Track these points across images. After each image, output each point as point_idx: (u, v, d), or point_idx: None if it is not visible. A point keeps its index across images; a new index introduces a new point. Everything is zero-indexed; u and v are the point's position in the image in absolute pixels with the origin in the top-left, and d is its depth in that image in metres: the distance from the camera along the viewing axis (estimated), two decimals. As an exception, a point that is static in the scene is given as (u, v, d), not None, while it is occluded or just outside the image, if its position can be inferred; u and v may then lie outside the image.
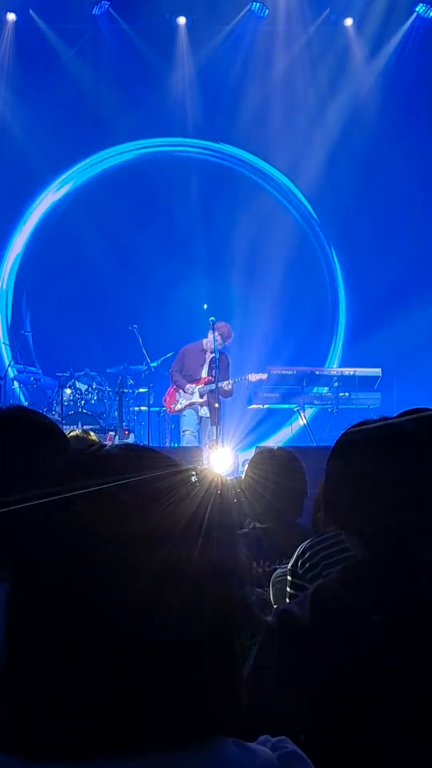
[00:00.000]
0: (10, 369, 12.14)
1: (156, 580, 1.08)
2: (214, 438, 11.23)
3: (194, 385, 11.43)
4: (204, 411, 11.47)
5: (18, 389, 12.44)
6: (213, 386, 11.24)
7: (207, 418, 11.45)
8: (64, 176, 14.34)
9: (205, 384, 11.38)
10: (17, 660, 1.09)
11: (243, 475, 4.21)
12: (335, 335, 14.70)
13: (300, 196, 14.66)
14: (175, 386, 11.62)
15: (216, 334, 11.15)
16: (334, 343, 14.66)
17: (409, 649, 1.77)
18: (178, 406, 11.52)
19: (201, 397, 11.38)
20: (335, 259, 14.71)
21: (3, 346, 12.53)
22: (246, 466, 4.24)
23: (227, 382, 11.25)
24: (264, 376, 11.62)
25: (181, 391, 11.50)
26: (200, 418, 11.51)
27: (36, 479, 1.66)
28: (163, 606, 1.08)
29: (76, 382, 12.25)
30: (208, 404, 11.39)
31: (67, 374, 12.27)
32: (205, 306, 12.20)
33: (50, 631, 1.07)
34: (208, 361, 11.47)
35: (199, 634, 1.10)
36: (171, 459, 1.22)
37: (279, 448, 4.19)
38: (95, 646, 1.05)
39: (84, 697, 1.05)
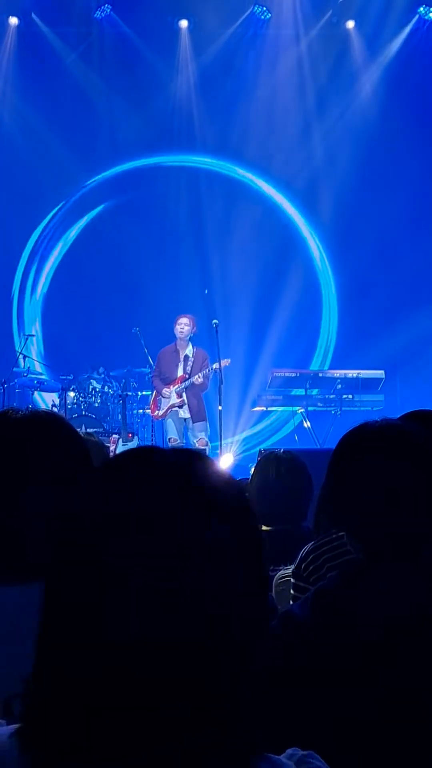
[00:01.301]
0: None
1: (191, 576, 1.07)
2: (202, 435, 11.24)
3: (170, 388, 11.34)
4: (183, 412, 11.39)
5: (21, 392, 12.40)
6: (187, 383, 11.24)
7: (189, 418, 11.38)
8: (73, 192, 14.42)
9: (181, 383, 11.35)
10: (50, 661, 1.09)
11: (249, 478, 4.22)
12: (328, 337, 14.70)
13: (296, 202, 14.66)
14: (156, 392, 11.59)
15: (188, 324, 11.25)
16: (327, 345, 14.67)
17: (410, 651, 1.77)
18: (161, 412, 11.43)
19: (178, 397, 11.32)
20: (327, 261, 14.69)
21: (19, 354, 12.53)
22: (252, 469, 4.24)
23: (197, 376, 11.20)
24: (227, 361, 11.34)
25: (160, 396, 11.47)
26: (182, 420, 11.44)
27: (57, 488, 1.67)
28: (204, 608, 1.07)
29: (92, 381, 12.29)
30: (188, 403, 11.37)
31: (70, 377, 12.29)
32: (206, 291, 12.27)
33: (84, 632, 1.06)
34: (182, 359, 11.46)
35: (234, 639, 1.09)
36: None
37: (285, 451, 4.17)
38: (134, 649, 1.04)
39: (117, 708, 1.04)
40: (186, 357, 11.40)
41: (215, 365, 11.08)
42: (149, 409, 11.79)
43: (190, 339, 11.44)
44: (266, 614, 1.16)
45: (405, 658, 1.76)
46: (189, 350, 11.43)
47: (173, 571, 1.06)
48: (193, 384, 11.22)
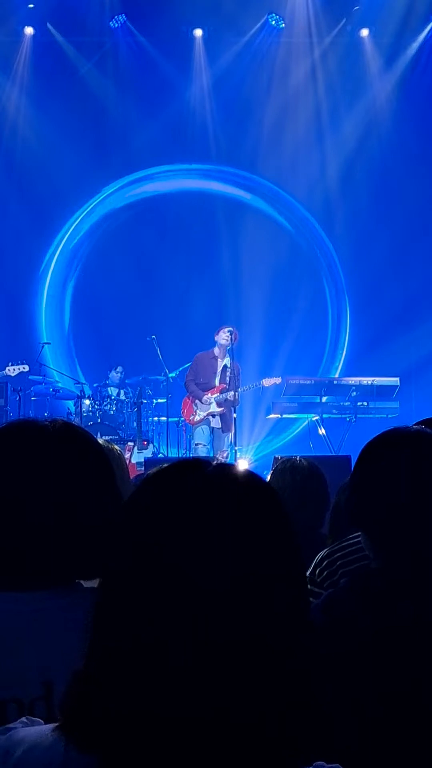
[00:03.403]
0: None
1: (237, 579, 1.11)
2: (225, 448, 11.28)
3: (210, 395, 11.39)
4: (215, 422, 11.44)
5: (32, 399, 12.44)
6: (227, 395, 11.27)
7: (218, 428, 11.44)
8: (90, 201, 14.52)
9: (221, 392, 11.39)
10: (101, 662, 1.12)
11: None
12: (340, 346, 14.71)
13: (309, 210, 14.66)
14: (191, 396, 11.62)
15: (230, 336, 11.28)
16: (338, 353, 14.67)
17: (416, 658, 1.78)
18: (197, 417, 11.44)
19: (219, 406, 11.36)
20: (341, 270, 14.69)
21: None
22: (269, 477, 4.25)
23: (232, 393, 11.27)
24: (278, 380, 11.62)
25: (197, 401, 11.49)
26: (212, 429, 11.49)
27: (78, 496, 1.69)
28: (247, 607, 1.10)
29: (108, 389, 12.36)
30: (222, 413, 11.42)
31: (85, 384, 12.34)
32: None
33: (136, 633, 1.10)
34: (220, 368, 11.50)
35: (276, 640, 1.12)
36: None
37: (302, 459, 4.18)
38: (182, 651, 1.08)
39: (166, 704, 1.07)
40: (225, 367, 11.44)
41: (264, 382, 11.30)
42: (182, 414, 11.80)
43: (229, 351, 11.48)
44: (305, 624, 1.18)
45: (413, 666, 1.77)
46: (227, 361, 11.47)
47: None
48: (228, 399, 11.27)
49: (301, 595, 1.19)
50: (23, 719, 1.24)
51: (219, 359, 11.51)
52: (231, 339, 11.33)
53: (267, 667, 1.10)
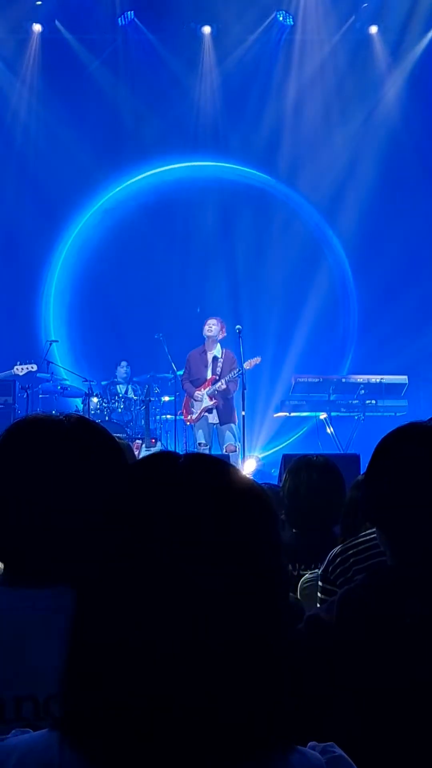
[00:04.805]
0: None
1: (213, 591, 1.09)
2: (231, 442, 11.21)
3: (201, 390, 11.32)
4: (213, 417, 11.35)
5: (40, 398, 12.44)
6: (218, 385, 11.20)
7: (217, 423, 11.35)
8: (98, 198, 14.52)
9: (211, 385, 11.31)
10: (81, 662, 1.12)
11: (281, 482, 4.23)
12: (348, 343, 14.68)
13: (319, 207, 14.63)
14: (187, 395, 11.55)
15: (218, 326, 11.30)
16: (347, 350, 14.65)
17: (424, 657, 1.76)
18: (195, 416, 11.40)
19: (211, 399, 11.28)
20: (349, 267, 14.66)
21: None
22: (285, 474, 4.25)
23: (220, 383, 11.20)
24: (258, 360, 11.33)
25: (192, 399, 11.43)
26: (211, 426, 11.42)
27: (94, 491, 1.68)
28: (222, 614, 1.09)
29: (116, 386, 12.37)
30: (216, 406, 11.34)
31: (93, 383, 12.34)
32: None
33: (116, 635, 1.09)
34: (210, 360, 11.44)
35: (260, 638, 1.12)
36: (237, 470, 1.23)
37: (318, 456, 4.19)
38: (161, 651, 1.07)
39: (149, 704, 1.07)
40: (215, 358, 11.38)
41: (246, 363, 11.11)
42: (181, 413, 11.75)
43: (220, 342, 11.45)
44: (280, 612, 1.17)
45: (421, 663, 1.76)
46: (217, 351, 11.42)
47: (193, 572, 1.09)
48: (219, 389, 11.21)
49: (280, 590, 1.19)
50: (14, 731, 1.23)
51: (208, 352, 11.45)
52: (218, 329, 11.33)
53: (255, 667, 1.10)
